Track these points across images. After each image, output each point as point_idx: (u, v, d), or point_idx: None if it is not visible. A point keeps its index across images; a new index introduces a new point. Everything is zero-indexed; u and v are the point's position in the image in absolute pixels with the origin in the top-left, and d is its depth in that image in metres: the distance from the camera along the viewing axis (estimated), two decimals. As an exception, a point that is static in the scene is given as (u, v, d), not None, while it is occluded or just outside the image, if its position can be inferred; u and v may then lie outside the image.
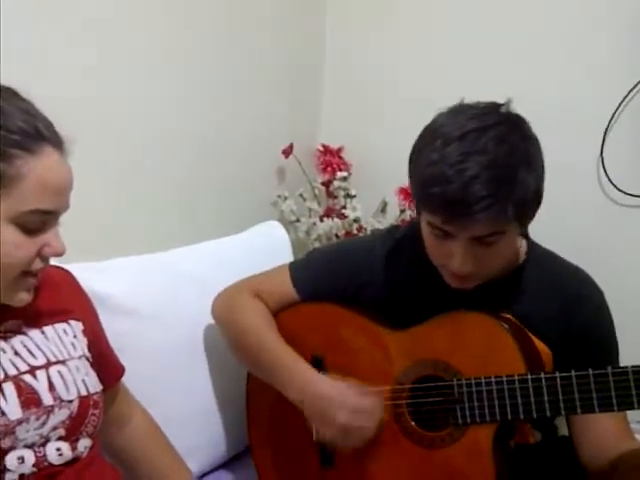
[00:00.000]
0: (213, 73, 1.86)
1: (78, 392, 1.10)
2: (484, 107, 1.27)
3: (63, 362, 1.10)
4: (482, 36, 1.99)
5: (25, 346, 1.07)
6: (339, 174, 2.10)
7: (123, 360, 1.32)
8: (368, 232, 2.00)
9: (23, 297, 1.05)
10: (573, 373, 1.22)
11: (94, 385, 1.14)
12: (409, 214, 2.00)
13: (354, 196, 2.09)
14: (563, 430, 1.54)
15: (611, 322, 1.39)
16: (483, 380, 1.27)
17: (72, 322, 1.17)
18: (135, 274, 1.53)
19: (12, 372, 1.04)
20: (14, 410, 1.01)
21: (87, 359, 1.16)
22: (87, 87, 1.53)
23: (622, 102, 1.83)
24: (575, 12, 1.89)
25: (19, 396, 1.02)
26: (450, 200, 1.19)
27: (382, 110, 2.14)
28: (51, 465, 1.05)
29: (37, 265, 1.03)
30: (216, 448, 1.59)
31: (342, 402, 1.30)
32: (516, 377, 1.25)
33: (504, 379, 1.26)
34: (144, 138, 1.69)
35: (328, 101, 2.26)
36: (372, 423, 1.31)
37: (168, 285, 1.56)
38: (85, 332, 1.19)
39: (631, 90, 1.82)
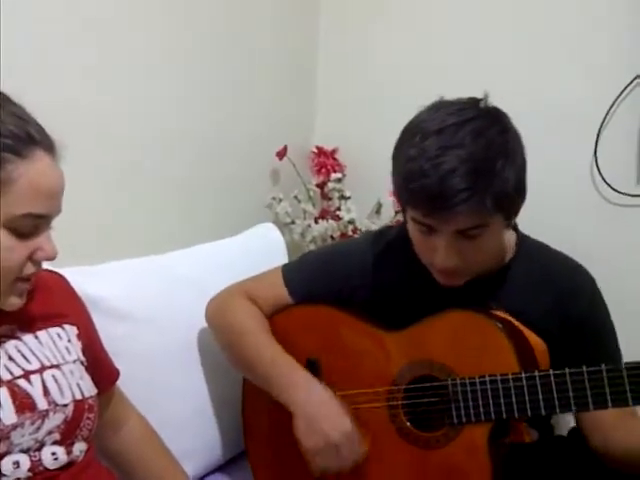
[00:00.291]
0: (206, 76, 1.87)
1: (73, 396, 1.10)
2: (463, 102, 1.28)
3: (57, 366, 1.10)
4: (478, 36, 1.99)
5: (19, 351, 1.07)
6: (333, 176, 2.10)
7: (119, 364, 1.32)
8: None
9: (14, 302, 1.05)
10: (567, 371, 1.23)
11: (89, 389, 1.14)
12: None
13: (349, 198, 2.09)
14: (559, 430, 1.55)
15: (606, 308, 1.40)
16: (477, 380, 1.28)
17: (66, 326, 1.17)
18: (130, 277, 1.53)
19: (6, 377, 1.04)
20: (9, 415, 1.01)
21: (82, 363, 1.16)
22: (85, 87, 1.53)
23: (615, 101, 1.83)
24: (568, 12, 1.89)
25: (14, 401, 1.02)
26: (429, 194, 1.20)
27: (376, 111, 2.15)
28: (46, 470, 1.05)
29: (29, 269, 1.03)
30: (212, 451, 1.59)
31: (339, 422, 1.29)
32: (510, 376, 1.25)
33: (498, 378, 1.26)
34: (140, 140, 1.69)
35: (322, 103, 2.26)
36: (357, 455, 1.30)
37: (163, 288, 1.56)
38: (79, 336, 1.19)
39: (624, 89, 1.82)
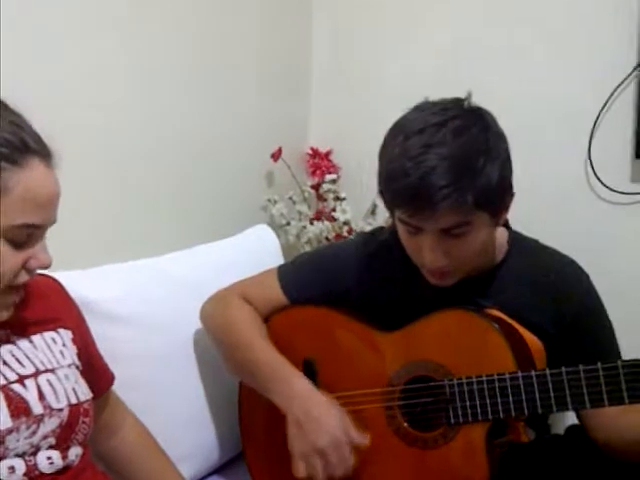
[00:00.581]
0: (201, 79, 1.86)
1: (68, 400, 1.09)
2: (447, 102, 1.29)
3: (52, 371, 1.10)
4: (470, 36, 2.00)
5: (14, 355, 1.07)
6: (328, 177, 2.10)
7: (115, 367, 1.32)
8: (359, 234, 2.01)
9: (2, 315, 1.04)
10: (563, 369, 1.23)
11: (84, 393, 1.13)
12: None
13: (344, 199, 2.09)
14: (556, 428, 1.55)
15: (601, 304, 1.40)
16: (474, 379, 1.27)
17: (61, 330, 1.16)
18: (126, 280, 1.53)
19: (1, 382, 1.03)
20: (4, 420, 1.00)
21: (77, 367, 1.16)
22: (82, 90, 1.53)
23: (609, 99, 1.84)
24: (560, 11, 1.89)
25: (8, 405, 1.02)
26: (411, 193, 1.21)
27: (370, 113, 2.15)
28: (42, 474, 1.04)
29: (22, 278, 1.02)
30: (209, 454, 1.59)
31: (328, 427, 1.27)
32: (507, 375, 1.25)
33: (495, 378, 1.26)
34: (135, 143, 1.69)
35: (316, 105, 2.26)
36: (347, 463, 1.28)
37: (159, 290, 1.56)
38: (74, 340, 1.18)
39: (617, 87, 1.82)
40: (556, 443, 1.44)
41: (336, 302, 1.46)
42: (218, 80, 1.92)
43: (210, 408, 1.58)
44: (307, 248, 2.05)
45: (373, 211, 2.11)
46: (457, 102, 1.29)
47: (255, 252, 1.80)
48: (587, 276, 1.41)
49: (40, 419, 1.04)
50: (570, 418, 1.44)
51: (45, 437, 1.05)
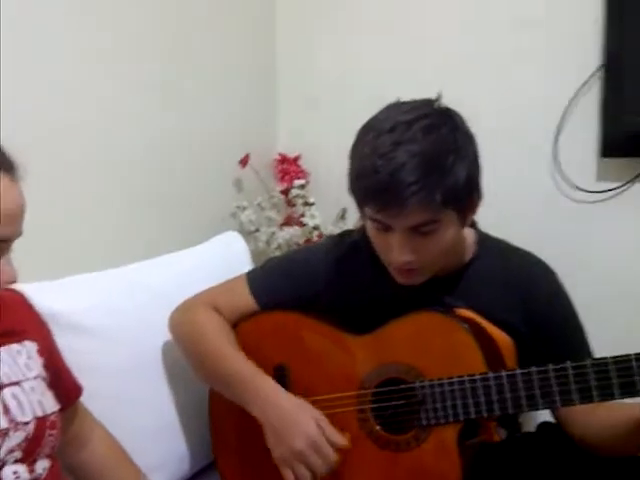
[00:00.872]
0: (167, 86, 1.85)
1: (34, 413, 1.07)
2: (417, 102, 1.30)
3: (17, 383, 1.08)
4: (435, 38, 2.02)
5: (-23, 369, 1.05)
6: (297, 182, 2.10)
7: (83, 379, 1.30)
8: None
9: None
10: (533, 369, 1.23)
11: (51, 405, 1.12)
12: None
13: (312, 204, 2.09)
14: (527, 426, 1.55)
15: (569, 303, 1.41)
16: (445, 381, 1.28)
17: (26, 342, 1.14)
18: (93, 291, 1.51)
19: (-35, 396, 1.01)
20: (-33, 435, 0.99)
21: (43, 379, 1.14)
22: (50, 99, 1.52)
23: (573, 100, 1.86)
24: (523, 12, 1.91)
25: (-28, 420, 1.00)
26: (380, 188, 1.22)
27: (338, 117, 2.15)
28: (9, 489, 1.03)
29: None
30: (180, 464, 1.57)
31: (303, 429, 1.29)
32: (477, 376, 1.26)
33: (465, 379, 1.26)
34: (101, 152, 1.67)
35: (283, 110, 2.26)
36: (329, 460, 1.29)
37: (127, 301, 1.54)
38: (40, 352, 1.16)
39: (581, 87, 1.84)
40: (528, 441, 1.45)
41: (307, 306, 1.45)
42: (184, 87, 1.91)
43: (180, 418, 1.56)
44: (277, 254, 2.04)
45: (342, 215, 2.11)
46: (427, 102, 1.30)
47: (224, 259, 1.79)
48: (555, 275, 1.42)
49: (5, 433, 1.02)
50: (541, 415, 1.44)
51: (11, 451, 1.03)
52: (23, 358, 1.12)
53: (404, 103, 1.31)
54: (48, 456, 1.09)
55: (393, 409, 1.32)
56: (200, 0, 1.95)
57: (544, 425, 1.48)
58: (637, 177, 1.82)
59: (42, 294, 1.32)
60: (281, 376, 1.40)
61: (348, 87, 2.15)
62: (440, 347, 1.31)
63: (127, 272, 1.60)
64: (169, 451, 1.54)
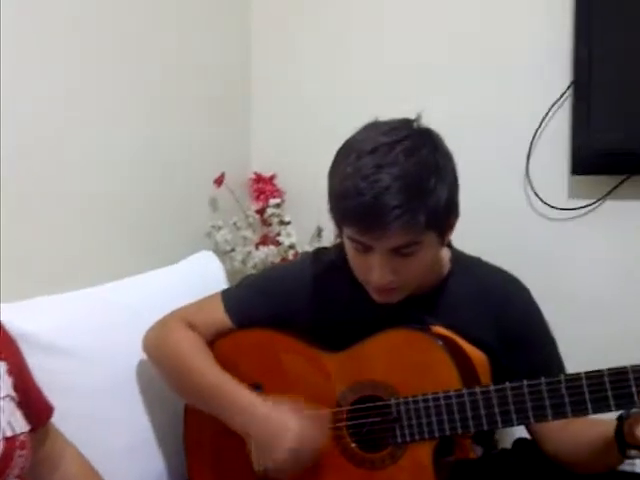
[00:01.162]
0: (141, 105, 1.85)
1: (3, 433, 1.05)
2: (396, 122, 1.31)
3: (-14, 403, 1.07)
4: (409, 56, 2.03)
5: (-55, 389, 1.04)
6: (272, 201, 2.10)
7: (56, 399, 1.28)
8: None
9: None
10: (507, 385, 1.24)
11: (20, 426, 1.10)
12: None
13: (288, 222, 2.08)
14: (503, 443, 1.56)
15: (542, 319, 1.43)
16: (420, 397, 1.28)
17: (-5, 362, 1.13)
18: (67, 311, 1.49)
19: None
20: None
21: (12, 399, 1.12)
22: (18, 110, 1.50)
23: (544, 118, 1.88)
24: (495, 30, 1.94)
25: (-61, 441, 0.98)
26: (364, 211, 1.22)
27: (313, 137, 2.16)
28: (-23, 512, 1.01)
29: None
30: (155, 484, 1.56)
31: (287, 425, 1.29)
32: (452, 392, 1.26)
33: (440, 395, 1.26)
34: (74, 170, 1.66)
35: (258, 130, 2.26)
36: (319, 441, 1.31)
37: (101, 320, 1.53)
38: (10, 371, 1.14)
39: (552, 105, 1.87)
40: (504, 458, 1.45)
41: (282, 324, 1.45)
42: (158, 107, 1.91)
43: (155, 438, 1.54)
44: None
45: (318, 234, 2.11)
46: (406, 122, 1.31)
47: (199, 279, 1.78)
48: (529, 292, 1.43)
49: (-27, 453, 1.01)
50: (517, 432, 1.44)
51: (-21, 472, 1.01)
52: (-8, 378, 1.11)
53: (383, 123, 1.31)
54: (18, 477, 1.07)
55: (369, 426, 1.32)
56: (173, 18, 1.95)
57: (520, 442, 1.48)
58: (608, 194, 1.85)
59: (14, 314, 1.31)
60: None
61: (324, 106, 2.16)
62: (415, 364, 1.31)
63: (101, 291, 1.59)
64: (143, 471, 1.52)
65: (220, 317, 1.47)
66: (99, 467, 1.33)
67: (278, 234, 2.08)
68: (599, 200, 1.86)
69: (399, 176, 1.21)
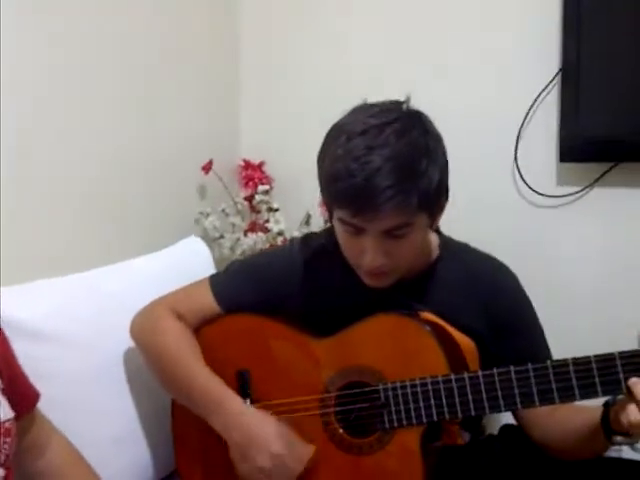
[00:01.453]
0: (130, 92, 1.83)
1: (-13, 420, 1.05)
2: (385, 104, 1.30)
3: (-30, 390, 1.06)
4: (398, 41, 2.02)
5: None
6: (261, 188, 2.09)
7: (43, 386, 1.27)
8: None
9: None
10: (495, 370, 1.24)
11: (5, 412, 1.09)
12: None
13: (277, 209, 2.08)
14: (490, 428, 1.56)
15: (530, 306, 1.43)
16: (408, 383, 1.28)
17: (-21, 349, 1.12)
18: (54, 297, 1.48)
19: None
20: None
21: (-3, 386, 1.12)
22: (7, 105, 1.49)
23: (533, 105, 1.88)
24: (483, 16, 1.94)
25: None
26: (356, 193, 1.21)
27: (301, 123, 2.15)
28: (-38, 498, 1.00)
29: None
30: (143, 473, 1.54)
31: (265, 446, 1.29)
32: (440, 378, 1.26)
33: (428, 381, 1.26)
34: (63, 157, 1.65)
35: (247, 116, 2.25)
36: (293, 473, 1.31)
37: (89, 306, 1.52)
38: (-6, 358, 1.14)
39: (541, 92, 1.87)
40: (491, 444, 1.46)
41: (271, 310, 1.44)
42: (146, 93, 1.90)
43: (142, 426, 1.54)
44: (241, 260, 2.03)
45: (307, 221, 2.11)
46: (395, 104, 1.30)
47: (187, 265, 1.77)
48: (516, 279, 1.44)
49: (-42, 441, 1.00)
50: (504, 418, 1.45)
51: (-37, 459, 1.01)
52: (-24, 365, 1.10)
53: (372, 105, 1.30)
54: (2, 464, 1.06)
55: (357, 412, 1.32)
56: (160, 5, 1.94)
57: (506, 428, 1.49)
58: (596, 182, 1.85)
59: (2, 299, 1.30)
60: (243, 381, 1.40)
61: (312, 93, 2.15)
62: (403, 350, 1.31)
63: (88, 277, 1.58)
64: (131, 460, 1.52)
65: (208, 303, 1.46)
66: (85, 455, 1.32)
67: (267, 221, 2.07)
68: (587, 187, 1.87)
69: (390, 157, 1.20)
